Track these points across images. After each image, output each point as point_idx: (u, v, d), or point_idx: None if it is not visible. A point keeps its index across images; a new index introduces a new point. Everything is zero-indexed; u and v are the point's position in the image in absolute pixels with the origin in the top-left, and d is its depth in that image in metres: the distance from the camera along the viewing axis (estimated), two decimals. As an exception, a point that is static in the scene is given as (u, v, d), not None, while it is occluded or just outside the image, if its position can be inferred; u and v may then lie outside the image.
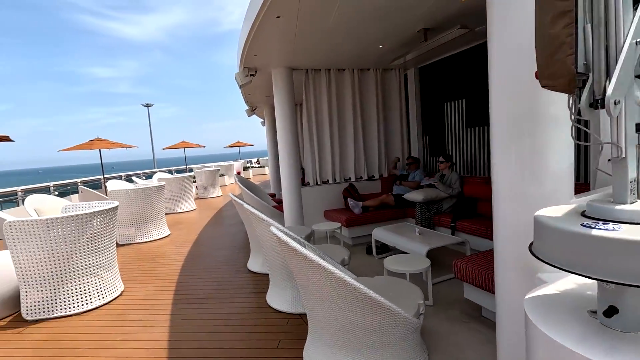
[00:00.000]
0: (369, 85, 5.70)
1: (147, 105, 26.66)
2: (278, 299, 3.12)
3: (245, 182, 6.14)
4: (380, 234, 4.15)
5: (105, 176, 11.10)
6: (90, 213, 3.30)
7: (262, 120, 12.27)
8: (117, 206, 3.72)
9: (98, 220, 3.40)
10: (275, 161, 9.45)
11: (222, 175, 15.00)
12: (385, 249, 4.40)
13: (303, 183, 5.44)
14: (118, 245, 5.80)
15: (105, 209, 3.46)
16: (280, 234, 2.08)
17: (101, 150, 10.25)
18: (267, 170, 20.84)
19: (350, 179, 5.70)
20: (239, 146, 21.96)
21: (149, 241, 5.98)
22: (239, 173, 17.57)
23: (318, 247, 3.44)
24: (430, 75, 5.60)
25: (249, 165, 20.78)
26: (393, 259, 3.04)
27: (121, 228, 5.91)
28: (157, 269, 4.47)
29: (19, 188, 9.31)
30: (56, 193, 10.50)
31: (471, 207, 4.26)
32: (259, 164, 22.23)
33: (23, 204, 6.81)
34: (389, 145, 5.96)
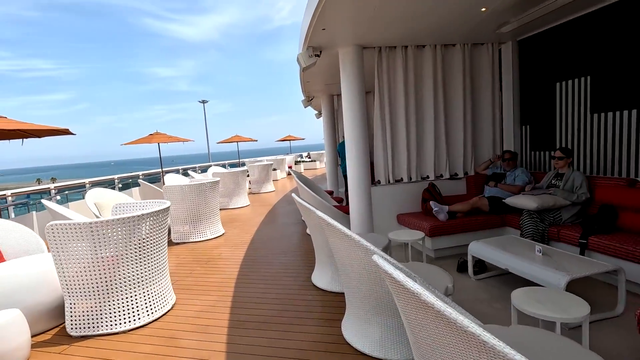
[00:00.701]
0: (453, 64, 4.73)
1: (203, 102, 27.37)
2: (361, 334, 2.39)
3: (303, 179, 5.51)
4: (480, 249, 3.25)
5: (164, 169, 11.23)
6: (139, 216, 2.86)
7: (316, 112, 11.64)
8: (169, 207, 3.27)
9: (148, 223, 2.95)
10: (333, 154, 8.71)
11: (274, 169, 14.70)
12: (482, 267, 3.50)
13: (372, 181, 4.66)
14: (172, 243, 5.51)
15: (156, 211, 3.00)
16: (391, 270, 1.34)
17: (160, 144, 10.33)
18: (318, 164, 20.33)
19: (428, 177, 4.81)
20: (289, 140, 21.71)
21: (203, 240, 5.60)
22: (290, 167, 17.24)
23: (406, 265, 2.66)
24: (535, 49, 4.48)
25: (300, 159, 20.41)
26: (524, 293, 2.16)
27: (176, 225, 5.61)
28: (212, 276, 3.99)
29: (86, 180, 9.52)
30: (120, 185, 10.81)
31: (609, 218, 3.18)
32: (309, 158, 21.80)
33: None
34: (477, 137, 4.94)
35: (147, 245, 2.98)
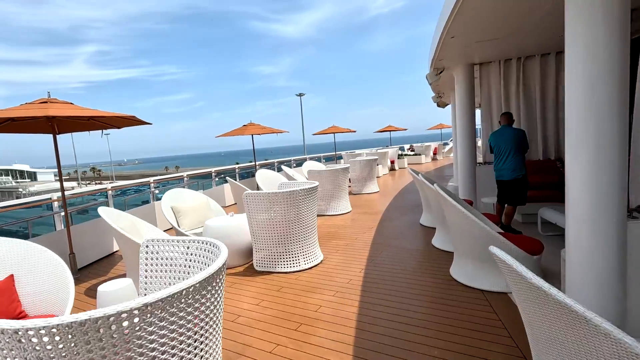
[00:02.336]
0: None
1: (300, 95, 27.13)
2: None
3: (444, 189, 3.52)
4: None
5: (257, 163, 10.38)
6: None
7: (435, 96, 9.33)
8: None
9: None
10: (470, 147, 5.99)
11: (378, 164, 12.77)
12: None
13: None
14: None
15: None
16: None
17: (253, 135, 9.42)
18: (423, 159, 17.70)
19: None
20: (390, 131, 19.46)
21: (289, 272, 4.08)
22: (393, 162, 15.12)
23: None
24: None
25: (402, 152, 18.07)
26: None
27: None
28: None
29: (212, 169, 9.85)
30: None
31: None
32: (413, 151, 19.25)
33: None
34: None
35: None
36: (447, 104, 10.50)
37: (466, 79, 5.67)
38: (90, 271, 4.71)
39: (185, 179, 8.80)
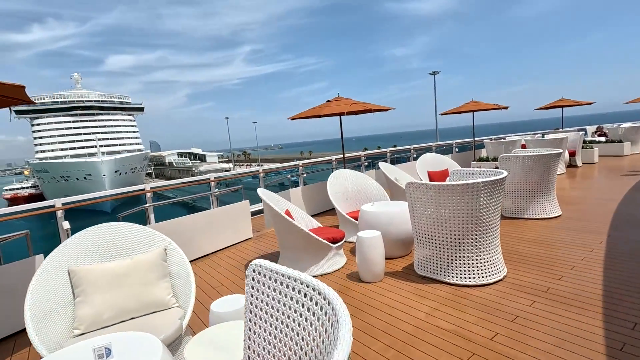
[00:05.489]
0: None
1: (434, 73, 25.02)
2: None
3: None
4: None
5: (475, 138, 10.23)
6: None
7: None
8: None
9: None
10: None
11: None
12: None
13: None
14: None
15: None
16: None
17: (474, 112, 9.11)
18: (625, 149, 11.23)
19: None
20: (561, 106, 13.26)
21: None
22: (573, 155, 9.68)
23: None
24: None
25: (588, 139, 11.98)
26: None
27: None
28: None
29: (411, 147, 10.55)
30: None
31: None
32: (604, 136, 12.71)
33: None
34: None
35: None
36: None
37: None
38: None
39: (334, 162, 8.60)
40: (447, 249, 3.21)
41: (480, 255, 3.12)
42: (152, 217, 5.30)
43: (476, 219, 3.08)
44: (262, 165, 9.77)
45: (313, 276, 3.86)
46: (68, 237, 5.00)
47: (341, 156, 6.98)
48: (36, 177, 48.95)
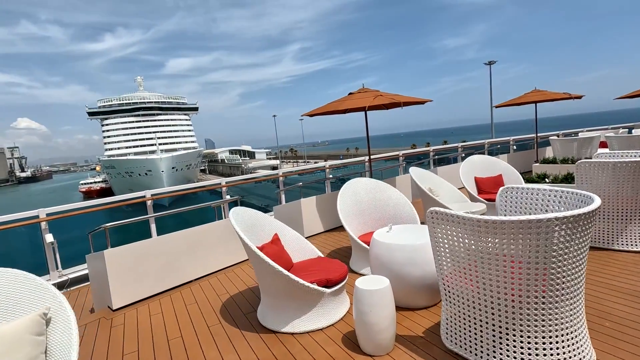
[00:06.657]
0: None
1: (489, 63, 23.84)
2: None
3: None
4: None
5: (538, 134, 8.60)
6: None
7: None
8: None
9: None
10: None
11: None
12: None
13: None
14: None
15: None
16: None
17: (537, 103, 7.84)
18: None
19: None
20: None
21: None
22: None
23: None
24: None
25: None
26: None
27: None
28: None
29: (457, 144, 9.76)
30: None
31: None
32: None
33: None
34: None
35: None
36: None
37: None
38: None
39: (401, 158, 8.12)
40: (492, 317, 2.03)
41: (550, 333, 1.93)
42: (153, 226, 4.97)
43: (543, 276, 1.89)
44: (327, 161, 9.39)
45: (299, 333, 2.75)
46: (53, 251, 4.64)
47: (380, 155, 5.91)
48: (105, 173, 53.78)
